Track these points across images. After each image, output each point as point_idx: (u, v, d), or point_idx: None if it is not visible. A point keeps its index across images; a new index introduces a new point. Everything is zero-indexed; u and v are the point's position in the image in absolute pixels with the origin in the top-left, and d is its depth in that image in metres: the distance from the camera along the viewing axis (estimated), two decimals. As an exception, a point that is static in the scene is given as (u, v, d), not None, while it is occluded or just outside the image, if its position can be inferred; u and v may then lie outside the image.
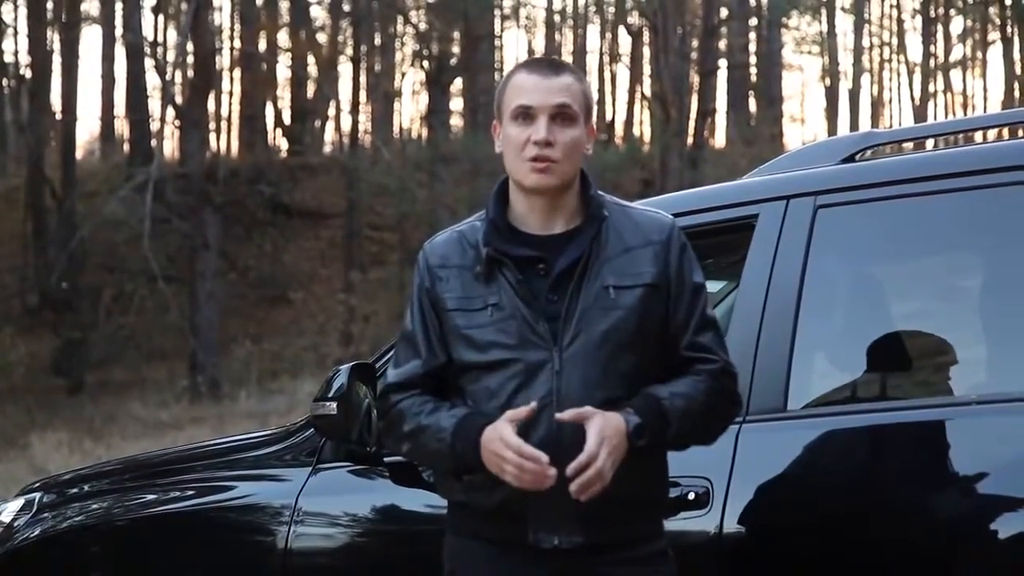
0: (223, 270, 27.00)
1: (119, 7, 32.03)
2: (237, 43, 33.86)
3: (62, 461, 15.66)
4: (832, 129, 36.93)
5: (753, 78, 37.19)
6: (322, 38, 33.72)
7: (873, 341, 3.49)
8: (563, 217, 2.98)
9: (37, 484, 4.75)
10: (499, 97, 3.03)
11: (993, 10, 33.83)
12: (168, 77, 27.92)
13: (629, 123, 38.74)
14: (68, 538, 4.37)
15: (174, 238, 26.65)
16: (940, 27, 37.19)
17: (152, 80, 30.60)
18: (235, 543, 4.04)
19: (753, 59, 36.89)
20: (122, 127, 35.41)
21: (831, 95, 38.98)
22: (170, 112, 27.72)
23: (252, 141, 34.09)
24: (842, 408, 3.44)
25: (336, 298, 27.07)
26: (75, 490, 4.53)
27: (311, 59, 32.81)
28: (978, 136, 7.02)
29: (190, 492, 4.20)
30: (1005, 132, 4.11)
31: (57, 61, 30.78)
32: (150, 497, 4.27)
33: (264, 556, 3.87)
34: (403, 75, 37.66)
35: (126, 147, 32.89)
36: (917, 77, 37.24)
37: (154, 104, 31.28)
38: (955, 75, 39.28)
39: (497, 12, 34.87)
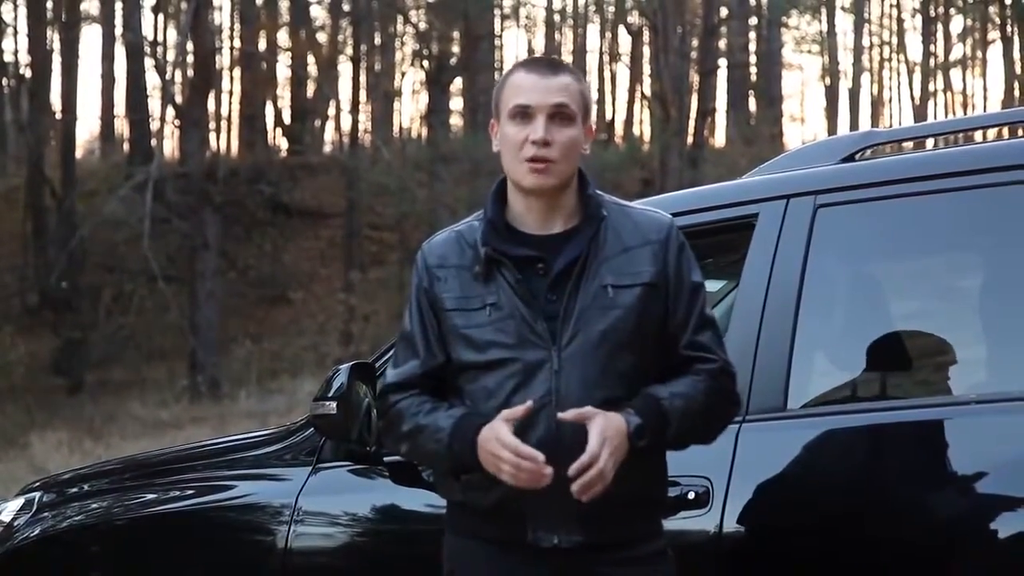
0: (223, 270, 27.00)
1: (119, 6, 32.04)
2: (237, 42, 33.87)
3: (62, 461, 15.66)
4: (832, 128, 36.94)
5: (753, 77, 37.20)
6: (322, 38, 33.73)
7: (873, 340, 3.49)
8: (561, 217, 2.98)
9: (37, 484, 4.75)
10: (497, 96, 3.03)
11: (993, 9, 33.83)
12: (168, 76, 27.92)
13: (629, 122, 38.75)
14: (68, 538, 4.37)
15: (174, 238, 26.65)
16: (940, 26, 37.20)
17: (152, 79, 30.63)
18: (235, 543, 4.04)
19: (753, 58, 36.90)
20: (122, 127, 35.44)
21: (831, 94, 39.00)
22: (170, 112, 27.73)
23: (252, 141, 34.09)
24: (842, 407, 3.44)
25: (336, 298, 27.07)
26: (75, 490, 4.53)
27: (311, 59, 32.82)
28: (978, 135, 7.02)
29: (190, 492, 4.20)
30: (1005, 131, 4.11)
31: (57, 60, 30.78)
32: (150, 497, 4.27)
33: (264, 556, 3.87)
34: (403, 75, 37.69)
35: (126, 147, 32.89)
36: (917, 76, 37.26)
37: (154, 104, 31.30)
38: (955, 74, 39.31)
39: (497, 11, 34.88)
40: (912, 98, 36.63)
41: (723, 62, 33.33)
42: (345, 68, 33.60)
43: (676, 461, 3.03)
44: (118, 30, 32.20)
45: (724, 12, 29.85)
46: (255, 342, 25.27)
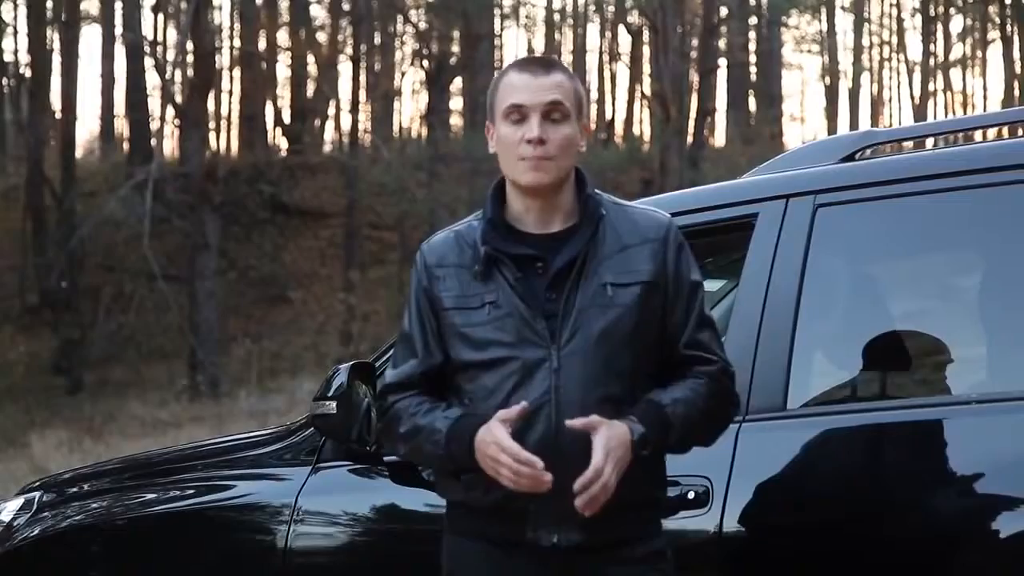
0: (223, 269, 27.00)
1: (119, 6, 32.06)
2: (237, 42, 33.89)
3: (62, 460, 15.67)
4: (832, 128, 36.95)
5: (753, 77, 37.22)
6: (322, 37, 33.74)
7: (873, 340, 3.49)
8: (560, 216, 2.99)
9: (37, 483, 4.75)
10: (491, 97, 3.03)
11: (993, 9, 33.87)
12: (168, 76, 27.93)
13: (629, 122, 38.75)
14: (68, 537, 4.36)
15: (174, 237, 26.66)
16: (940, 26, 37.21)
17: (152, 79, 30.65)
18: (235, 542, 4.04)
19: (753, 58, 36.91)
20: (122, 126, 35.42)
21: (831, 94, 39.02)
22: (170, 111, 27.76)
23: (252, 140, 34.10)
24: (841, 407, 3.44)
25: (336, 297, 27.08)
26: (75, 489, 4.53)
27: (311, 58, 32.83)
28: (978, 135, 7.01)
29: (190, 491, 4.20)
30: (1005, 131, 4.11)
31: (57, 60, 30.81)
32: (150, 496, 4.27)
33: (264, 555, 3.87)
34: (403, 74, 37.70)
35: (126, 146, 32.89)
36: (917, 76, 37.27)
37: (154, 103, 31.37)
38: (955, 74, 39.33)
39: (497, 11, 34.89)
40: (912, 98, 36.66)
41: (723, 62, 33.34)
42: (345, 68, 33.63)
43: (676, 461, 3.03)
44: (118, 30, 32.21)
45: (724, 12, 29.84)
46: (255, 341, 25.29)
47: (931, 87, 37.57)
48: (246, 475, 4.11)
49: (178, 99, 26.95)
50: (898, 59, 40.58)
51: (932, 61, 36.91)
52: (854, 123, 37.32)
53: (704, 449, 3.09)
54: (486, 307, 2.93)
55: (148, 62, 29.95)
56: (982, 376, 3.41)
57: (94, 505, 4.39)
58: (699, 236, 3.41)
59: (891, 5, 39.16)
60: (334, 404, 3.56)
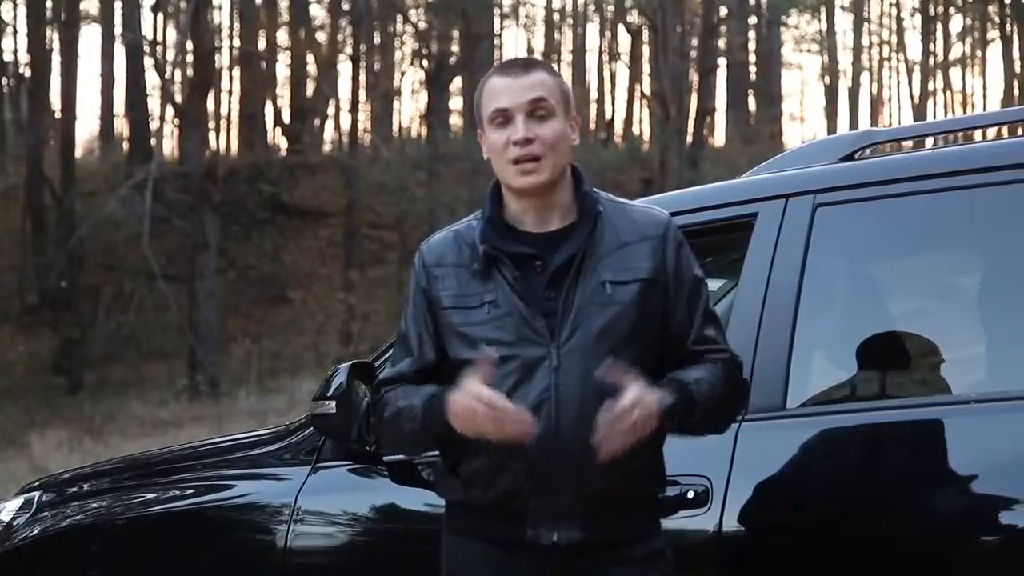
0: (222, 269, 26.99)
1: (118, 6, 32.05)
2: (236, 42, 33.88)
3: (62, 460, 15.66)
4: (831, 128, 36.96)
5: (752, 77, 37.21)
6: (321, 37, 33.73)
7: (872, 340, 3.49)
8: (558, 214, 2.99)
9: (36, 483, 4.75)
10: (477, 105, 3.05)
11: (992, 8, 33.87)
12: (167, 76, 27.94)
13: (629, 122, 38.75)
14: (67, 537, 4.37)
15: (173, 237, 26.66)
16: (939, 25, 37.22)
17: (151, 79, 30.63)
18: (234, 542, 4.04)
19: (752, 58, 36.90)
20: (121, 126, 35.42)
21: (830, 94, 39.02)
22: (169, 111, 27.79)
23: (251, 140, 34.10)
24: (841, 407, 3.44)
25: (335, 297, 27.08)
26: (74, 489, 4.53)
27: (310, 58, 32.82)
28: (977, 135, 7.01)
29: (190, 491, 4.20)
30: (1004, 130, 4.11)
31: (56, 60, 30.81)
32: (149, 496, 4.27)
33: (264, 555, 3.87)
34: (402, 74, 37.72)
35: (125, 146, 32.88)
36: (916, 75, 37.28)
37: (153, 103, 31.37)
38: (954, 73, 39.34)
39: (496, 11, 34.88)
40: (911, 97, 36.68)
41: (723, 61, 33.33)
42: (344, 67, 33.64)
43: (675, 460, 3.03)
44: (118, 29, 32.19)
45: (724, 11, 29.84)
46: (255, 341, 25.28)
47: (931, 87, 37.60)
48: (246, 475, 4.11)
49: (178, 99, 26.96)
50: (898, 59, 40.62)
51: (932, 61, 36.93)
52: (854, 123, 37.33)
53: (703, 448, 3.09)
54: (485, 306, 2.94)
55: (148, 62, 29.97)
56: (981, 376, 3.41)
57: (94, 505, 4.39)
58: (699, 236, 3.41)
59: (891, 5, 39.19)
60: (333, 404, 3.57)
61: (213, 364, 23.50)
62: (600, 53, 40.53)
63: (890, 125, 20.21)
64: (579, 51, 40.82)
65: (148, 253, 23.15)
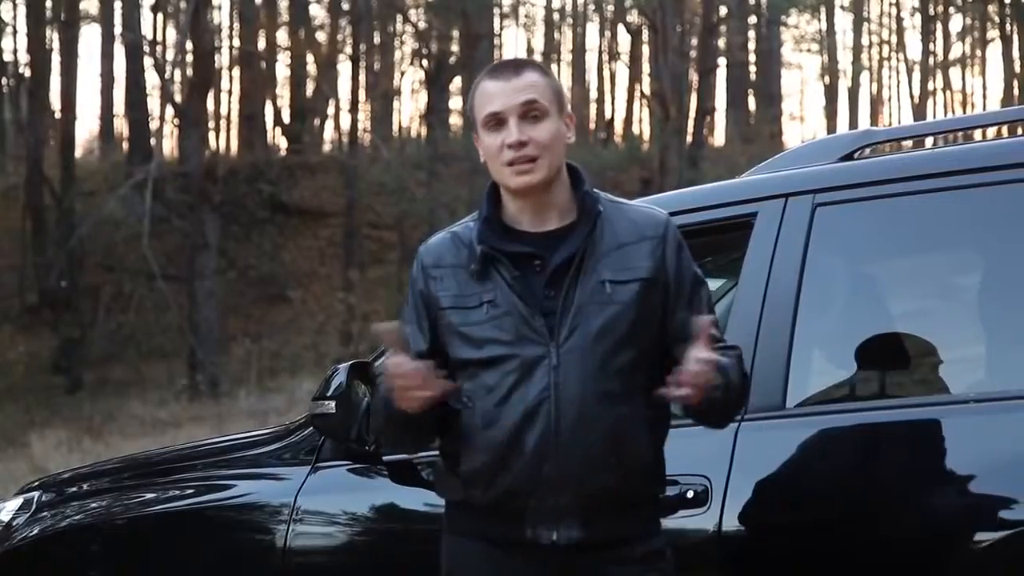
0: (222, 269, 26.99)
1: (118, 6, 32.04)
2: (236, 42, 33.88)
3: (61, 460, 15.66)
4: (831, 127, 36.96)
5: (752, 76, 37.21)
6: (321, 37, 33.74)
7: (871, 339, 3.49)
8: (555, 214, 2.99)
9: (36, 483, 4.75)
10: (470, 109, 3.05)
11: (992, 8, 33.87)
12: (167, 76, 27.94)
13: (628, 122, 38.75)
14: (67, 537, 4.36)
15: (173, 237, 26.66)
16: (939, 25, 37.23)
17: (151, 79, 30.63)
18: (234, 542, 4.04)
19: (752, 57, 36.90)
20: (121, 126, 35.42)
21: (830, 93, 39.02)
22: (169, 111, 27.77)
23: (251, 140, 34.09)
24: (840, 406, 3.44)
25: (335, 297, 27.08)
26: (74, 489, 4.53)
27: (310, 58, 32.81)
28: (977, 134, 7.02)
29: (189, 491, 4.20)
30: (1004, 130, 4.11)
31: (56, 60, 30.80)
32: (149, 496, 4.27)
33: (263, 555, 3.87)
34: (402, 74, 37.72)
35: (125, 146, 32.88)
36: (916, 75, 37.28)
37: (153, 103, 31.36)
38: (954, 73, 39.35)
39: (496, 10, 34.87)
40: (911, 97, 36.66)
41: (722, 61, 33.33)
42: (344, 67, 33.64)
43: (675, 460, 3.03)
44: (117, 29, 32.19)
45: (723, 11, 29.84)
46: (254, 341, 25.29)
47: (930, 86, 37.59)
48: (245, 475, 4.11)
49: (177, 98, 26.95)
50: (897, 58, 40.62)
51: (931, 60, 36.92)
52: (853, 122, 37.33)
53: (703, 448, 3.09)
54: (484, 306, 2.94)
55: (147, 61, 29.97)
56: (981, 375, 3.42)
57: (93, 505, 4.39)
58: (698, 235, 3.42)
59: (890, 4, 39.19)
60: (333, 404, 3.57)
61: (213, 364, 23.50)
62: (600, 53, 40.57)
63: (890, 125, 20.21)
64: (579, 51, 40.83)
65: (148, 253, 23.15)
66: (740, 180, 3.84)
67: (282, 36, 33.73)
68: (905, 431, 3.18)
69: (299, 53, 32.65)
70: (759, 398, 3.25)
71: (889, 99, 41.80)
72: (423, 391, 2.82)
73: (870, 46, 40.63)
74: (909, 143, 3.97)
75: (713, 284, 4.02)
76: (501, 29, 38.14)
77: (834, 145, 3.68)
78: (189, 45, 27.15)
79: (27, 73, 30.29)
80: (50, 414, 21.84)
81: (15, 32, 33.72)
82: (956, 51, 38.41)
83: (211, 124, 34.01)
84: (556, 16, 40.15)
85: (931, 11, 36.35)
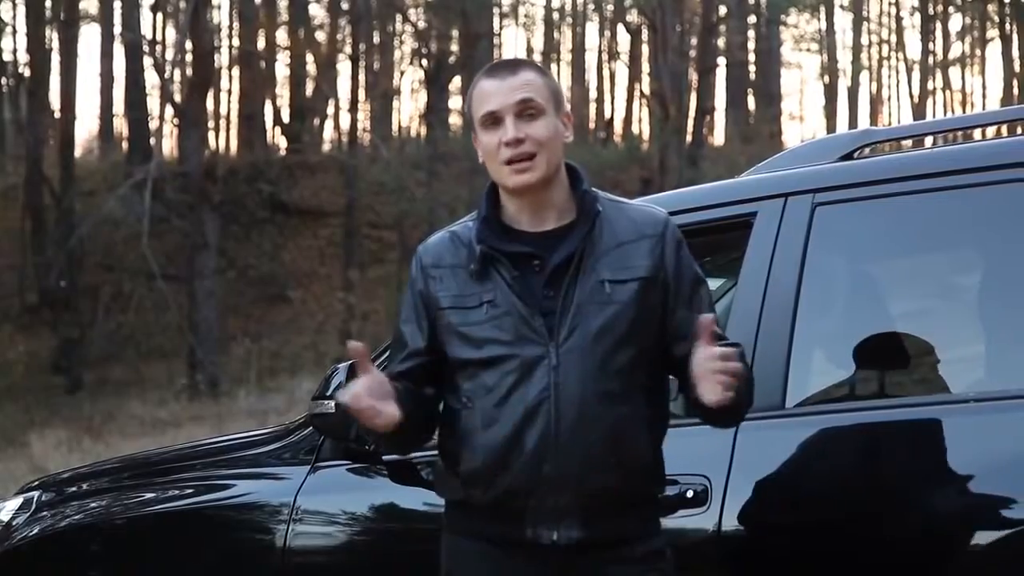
0: (222, 268, 27.00)
1: (118, 5, 32.04)
2: (236, 41, 33.88)
3: (61, 459, 15.66)
4: (831, 127, 36.96)
5: (752, 76, 37.21)
6: (321, 36, 33.74)
7: (871, 339, 3.49)
8: (554, 213, 2.99)
9: (36, 483, 4.75)
10: (468, 109, 3.05)
11: (992, 7, 33.87)
12: (167, 75, 27.94)
13: (628, 121, 38.76)
14: (67, 537, 4.36)
15: (173, 236, 26.66)
16: (939, 24, 37.23)
17: (151, 78, 30.66)
18: (234, 541, 4.04)
19: (752, 57, 36.90)
20: (121, 125, 35.42)
21: (830, 93, 39.02)
22: (169, 110, 27.76)
23: (251, 139, 34.09)
24: (840, 406, 3.44)
25: (335, 296, 27.08)
26: (74, 489, 4.53)
27: (310, 57, 32.82)
28: (977, 134, 7.02)
29: (189, 491, 4.20)
30: (1004, 129, 4.11)
31: (56, 59, 30.79)
32: (149, 496, 4.27)
33: (263, 554, 3.87)
34: (402, 73, 37.72)
35: (125, 145, 32.89)
36: (916, 74, 37.28)
37: (153, 102, 31.37)
38: (954, 73, 39.36)
39: (496, 10, 34.87)
40: (911, 96, 36.67)
41: (722, 60, 33.34)
42: (344, 67, 33.64)
43: (674, 460, 3.03)
44: (117, 29, 32.19)
45: (723, 10, 29.84)
46: (254, 341, 25.28)
47: (930, 86, 37.59)
48: (245, 474, 4.11)
49: (177, 98, 26.95)
50: (897, 58, 40.62)
51: (931, 60, 36.93)
52: (853, 122, 37.33)
53: (702, 447, 3.08)
54: (484, 306, 2.94)
55: (147, 61, 30.00)
56: (980, 375, 3.41)
57: (93, 504, 4.39)
58: (698, 235, 3.41)
59: (890, 4, 39.20)
60: (333, 403, 3.56)
61: (213, 364, 23.50)
62: (599, 52, 40.58)
63: (889, 124, 20.21)
64: (578, 50, 40.83)
65: (147, 253, 23.14)
66: (740, 180, 3.84)
67: (282, 36, 33.75)
68: (905, 431, 3.18)
69: (299, 53, 32.65)
70: (759, 398, 3.24)
71: (889, 99, 41.84)
72: (384, 418, 2.84)
73: (869, 45, 40.66)
74: (909, 143, 3.97)
75: (713, 284, 4.03)
76: (501, 29, 38.17)
77: (833, 145, 3.68)
78: (189, 45, 27.15)
79: (27, 73, 30.28)
80: (50, 414, 21.84)
81: (15, 32, 33.74)
82: (956, 50, 38.45)
83: (211, 124, 34.02)
84: (556, 16, 40.17)
85: (931, 10, 36.36)
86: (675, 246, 2.99)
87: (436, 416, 3.03)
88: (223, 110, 37.83)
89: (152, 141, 29.52)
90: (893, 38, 40.45)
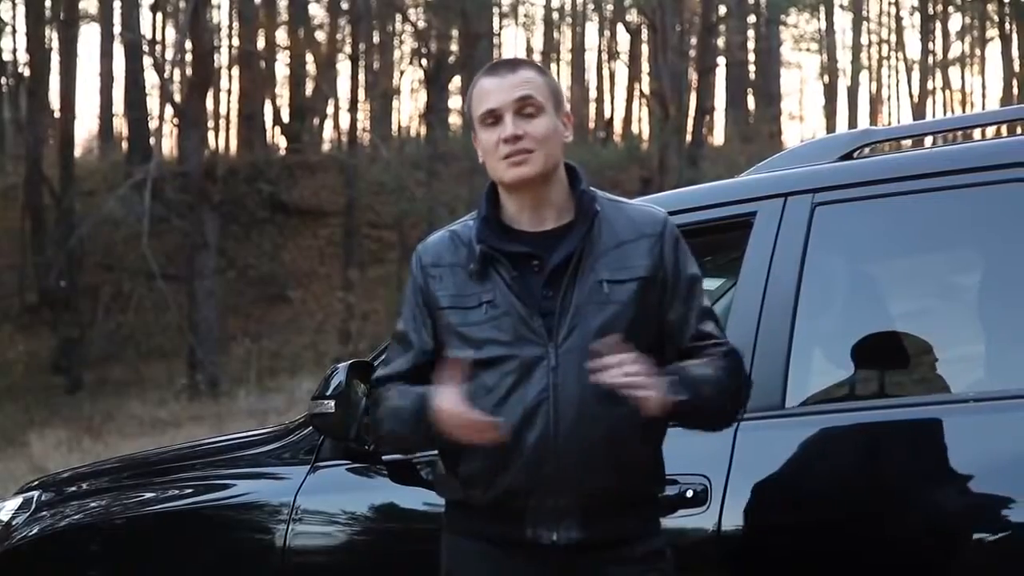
0: (222, 268, 26.99)
1: (117, 5, 32.03)
2: (236, 41, 33.87)
3: (61, 459, 15.66)
4: (830, 127, 36.96)
5: (752, 76, 37.20)
6: (321, 36, 33.73)
7: (871, 339, 3.49)
8: (553, 213, 2.99)
9: (35, 482, 4.75)
10: (468, 108, 3.05)
11: (991, 7, 33.86)
12: (167, 75, 27.95)
13: (628, 121, 38.74)
14: (66, 537, 4.36)
15: (173, 236, 26.65)
16: (938, 24, 37.22)
17: (151, 78, 30.65)
18: (234, 541, 4.04)
19: (752, 56, 36.89)
20: (121, 125, 35.41)
21: (829, 92, 39.01)
22: (168, 110, 27.75)
23: (251, 139, 34.08)
24: (840, 406, 3.45)
25: (335, 296, 27.07)
26: (73, 488, 4.53)
27: (310, 57, 32.81)
28: (976, 134, 7.02)
29: (189, 490, 4.20)
30: (1003, 129, 4.11)
31: (56, 59, 30.78)
32: (148, 495, 4.27)
33: (263, 554, 3.87)
34: (402, 73, 37.70)
35: (124, 145, 32.88)
36: (915, 74, 37.27)
37: (153, 102, 31.37)
38: (953, 72, 39.35)
39: (496, 10, 34.86)
40: (911, 96, 36.66)
41: (722, 60, 33.33)
42: (344, 66, 33.63)
43: (674, 460, 3.03)
44: (117, 29, 32.19)
45: (723, 10, 29.83)
46: (254, 341, 25.28)
47: (930, 85, 37.58)
48: (245, 474, 4.11)
49: (177, 98, 26.95)
50: (897, 57, 40.60)
51: (931, 59, 36.92)
52: (853, 121, 37.32)
53: (702, 447, 3.08)
54: (483, 306, 2.94)
55: (147, 61, 29.98)
56: (980, 375, 3.42)
57: (93, 504, 4.39)
58: (697, 235, 3.41)
59: (890, 3, 39.18)
60: (332, 403, 3.57)
61: (212, 364, 23.50)
62: (599, 52, 40.57)
63: (889, 124, 20.21)
64: (578, 50, 40.82)
65: (147, 252, 23.14)
66: (739, 179, 3.84)
67: (281, 35, 33.74)
68: (905, 431, 3.18)
69: (298, 52, 32.65)
70: (758, 398, 3.25)
71: (888, 98, 41.82)
72: (478, 437, 2.83)
73: (869, 45, 40.65)
74: (908, 142, 3.97)
75: (713, 284, 4.04)
76: (500, 28, 38.16)
77: (833, 144, 3.69)
78: (188, 44, 27.14)
79: (26, 72, 30.28)
80: (50, 414, 21.84)
81: (14, 31, 33.73)
82: (955, 50, 38.44)
83: (210, 123, 34.02)
84: (555, 15, 40.16)
85: (930, 10, 36.34)
86: (673, 244, 2.99)
87: None
88: (223, 110, 37.86)
89: (152, 141, 29.52)
90: (893, 38, 40.47)
